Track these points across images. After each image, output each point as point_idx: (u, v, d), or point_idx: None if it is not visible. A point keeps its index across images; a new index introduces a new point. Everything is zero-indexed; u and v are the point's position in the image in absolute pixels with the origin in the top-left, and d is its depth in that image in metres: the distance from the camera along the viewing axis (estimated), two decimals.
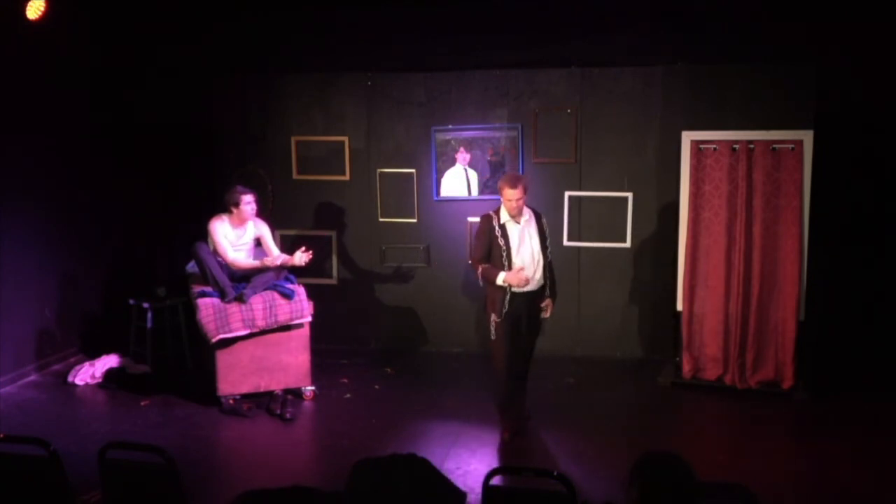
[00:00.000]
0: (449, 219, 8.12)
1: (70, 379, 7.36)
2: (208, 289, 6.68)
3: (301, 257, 6.70)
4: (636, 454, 2.84)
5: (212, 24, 8.03)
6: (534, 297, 5.84)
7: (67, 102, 7.76)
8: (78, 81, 7.88)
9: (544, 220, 5.99)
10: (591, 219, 7.87)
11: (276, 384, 6.84)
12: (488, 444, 5.94)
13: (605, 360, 7.90)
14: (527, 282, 5.70)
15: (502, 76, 7.90)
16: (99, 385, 7.33)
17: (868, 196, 7.49)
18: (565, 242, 7.82)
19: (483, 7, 7.61)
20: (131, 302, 7.77)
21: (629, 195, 7.77)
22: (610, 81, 7.73)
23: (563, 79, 7.81)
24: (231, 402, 6.67)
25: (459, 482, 4.97)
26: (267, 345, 6.79)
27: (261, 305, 6.66)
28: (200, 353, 7.45)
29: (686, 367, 7.15)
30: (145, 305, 7.63)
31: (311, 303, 6.87)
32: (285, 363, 6.85)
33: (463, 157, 7.98)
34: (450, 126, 7.99)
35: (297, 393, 6.93)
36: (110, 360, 7.54)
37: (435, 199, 8.11)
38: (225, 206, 6.83)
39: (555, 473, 3.62)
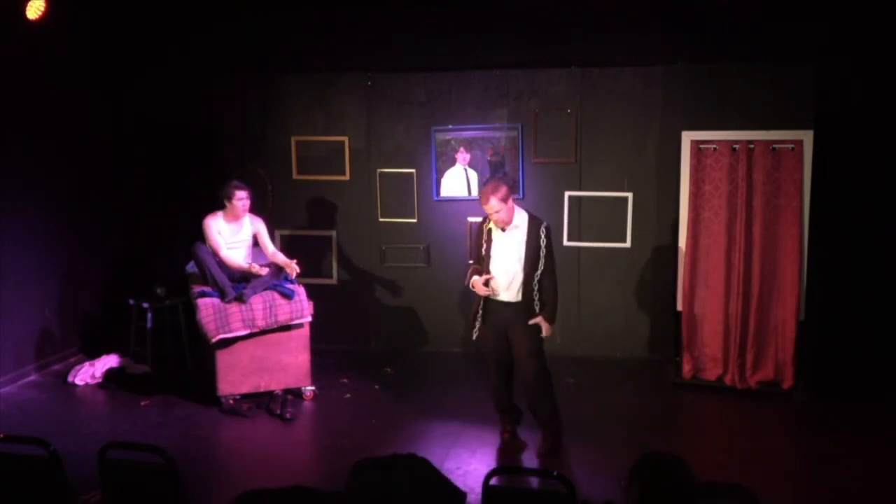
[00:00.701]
0: (449, 219, 8.12)
1: (70, 379, 7.36)
2: (208, 289, 6.69)
3: (292, 268, 6.73)
4: (636, 454, 2.84)
5: (212, 24, 8.03)
6: (514, 310, 5.63)
7: (67, 102, 7.75)
8: (78, 81, 7.88)
9: (543, 233, 5.59)
10: (591, 219, 7.87)
11: (276, 384, 6.84)
12: (488, 444, 5.94)
13: (605, 360, 7.90)
14: (488, 292, 5.63)
15: (502, 76, 7.90)
16: (99, 385, 7.33)
17: (868, 196, 7.49)
18: (565, 242, 7.82)
19: (483, 7, 7.61)
20: (131, 302, 7.76)
21: (629, 195, 7.77)
22: (610, 81, 7.74)
23: (563, 79, 7.81)
24: (231, 402, 6.67)
25: (459, 482, 4.97)
26: (267, 345, 6.79)
27: (261, 305, 6.66)
28: (200, 353, 7.45)
29: (686, 367, 7.15)
30: (145, 305, 7.63)
31: (311, 303, 6.87)
32: (285, 363, 6.85)
33: (463, 157, 7.98)
34: (450, 126, 7.99)
35: (297, 393, 6.93)
36: (110, 360, 7.53)
37: (435, 199, 8.11)
38: (220, 199, 6.85)
39: (555, 473, 3.62)
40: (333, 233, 8.36)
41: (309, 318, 6.87)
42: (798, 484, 5.38)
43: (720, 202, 6.95)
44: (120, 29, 8.05)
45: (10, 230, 7.22)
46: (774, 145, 6.82)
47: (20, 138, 7.30)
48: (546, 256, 5.60)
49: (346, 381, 7.41)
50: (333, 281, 8.40)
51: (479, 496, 3.55)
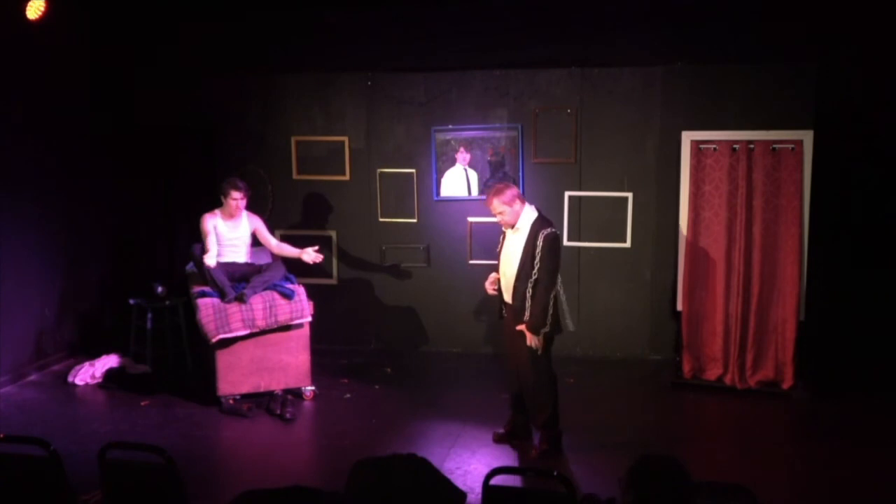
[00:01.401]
0: (449, 219, 8.12)
1: (70, 379, 7.36)
2: (208, 289, 6.69)
3: (311, 255, 6.79)
4: (636, 454, 2.84)
5: (212, 23, 8.02)
6: (514, 314, 5.65)
7: (67, 102, 7.75)
8: (78, 81, 7.88)
9: (541, 240, 5.43)
10: (591, 219, 7.87)
11: (276, 384, 6.84)
12: (488, 444, 5.94)
13: (605, 360, 7.90)
14: (494, 292, 5.77)
15: (502, 76, 7.90)
16: (99, 385, 7.33)
17: (868, 196, 7.49)
18: (565, 242, 7.80)
19: (483, 7, 7.60)
20: (131, 302, 7.76)
21: (629, 195, 7.77)
22: (610, 81, 7.73)
23: (563, 79, 7.81)
24: (231, 402, 6.67)
25: (459, 482, 4.97)
26: (267, 345, 6.79)
27: (261, 305, 6.66)
28: (200, 353, 7.45)
29: (686, 367, 7.15)
30: (145, 305, 7.63)
31: (311, 303, 6.88)
32: (285, 363, 6.85)
33: (463, 157, 7.98)
34: (450, 126, 7.99)
35: (297, 393, 6.94)
36: (110, 360, 7.53)
37: (435, 199, 8.11)
38: (219, 195, 6.89)
39: (555, 473, 3.62)
40: (333, 233, 8.36)
41: (309, 318, 6.87)
42: (798, 484, 5.38)
43: (720, 202, 6.95)
44: (120, 29, 8.05)
45: (10, 230, 7.22)
46: (774, 145, 6.82)
47: (20, 138, 7.30)
48: (540, 265, 5.43)
49: (346, 381, 7.41)
50: (333, 281, 8.40)
51: (479, 496, 3.55)
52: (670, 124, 7.49)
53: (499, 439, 5.95)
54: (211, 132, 8.47)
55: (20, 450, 3.88)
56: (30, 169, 7.43)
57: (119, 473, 3.83)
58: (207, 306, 6.56)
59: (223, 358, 6.68)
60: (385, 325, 8.41)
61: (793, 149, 6.79)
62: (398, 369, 7.77)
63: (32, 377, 7.49)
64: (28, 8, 6.89)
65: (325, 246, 8.33)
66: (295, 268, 7.25)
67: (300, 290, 6.87)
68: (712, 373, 7.10)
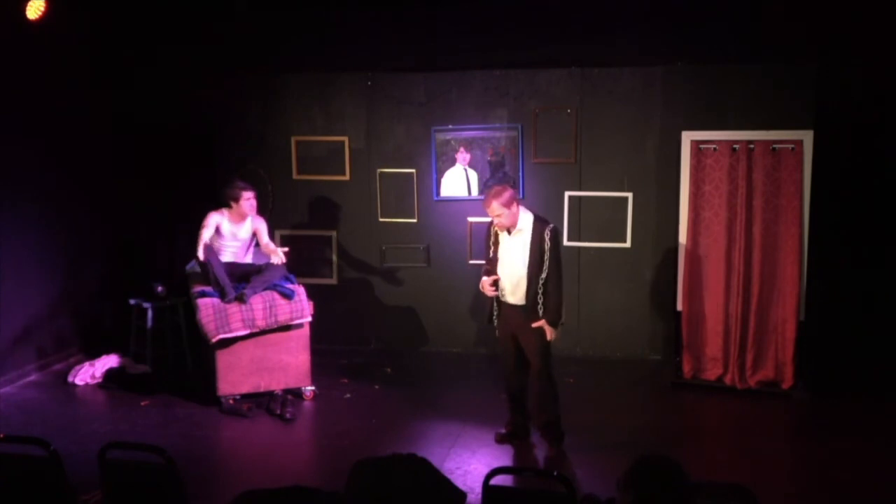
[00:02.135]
0: (449, 219, 8.12)
1: (70, 379, 7.36)
2: (208, 289, 6.69)
3: (277, 254, 6.76)
4: (636, 455, 2.84)
5: (212, 23, 8.03)
6: (521, 313, 5.64)
7: (67, 102, 7.75)
8: (77, 81, 7.88)
9: (548, 237, 5.51)
10: (591, 219, 7.87)
11: (276, 384, 6.84)
12: (488, 444, 5.94)
13: (605, 360, 7.90)
14: (495, 293, 5.66)
15: (502, 76, 7.90)
16: (99, 385, 7.33)
17: (868, 196, 7.49)
18: (565, 242, 7.80)
19: (483, 7, 7.61)
20: (131, 301, 7.77)
21: (629, 195, 7.77)
22: (610, 81, 7.73)
23: (563, 79, 7.81)
24: (231, 402, 6.67)
25: (459, 482, 4.97)
26: (267, 345, 6.79)
27: (261, 305, 6.66)
28: (200, 353, 7.45)
29: (686, 367, 7.16)
30: (145, 305, 7.63)
31: (311, 303, 6.87)
32: (285, 363, 6.85)
33: (463, 157, 7.98)
34: (450, 126, 7.99)
35: (297, 393, 6.93)
36: (110, 360, 7.54)
37: (435, 199, 8.11)
38: (224, 200, 6.84)
39: (555, 473, 3.62)
40: (333, 233, 8.37)
41: (309, 318, 6.87)
42: (798, 484, 5.38)
43: (720, 202, 6.95)
44: (120, 29, 8.05)
45: (11, 230, 7.22)
46: (774, 145, 6.82)
47: (20, 138, 7.30)
48: (550, 260, 5.54)
49: (346, 381, 7.41)
50: (333, 281, 8.40)
51: (479, 496, 3.55)
52: (670, 124, 7.49)
53: (501, 439, 5.95)
54: (211, 132, 8.47)
55: (20, 450, 3.88)
56: (30, 169, 7.43)
57: (119, 473, 3.83)
58: (207, 306, 6.56)
59: (223, 358, 6.68)
60: (385, 325, 8.41)
61: (793, 149, 6.79)
62: (398, 369, 7.77)
63: (32, 377, 7.49)
64: (28, 8, 6.89)
65: (325, 246, 8.36)
66: (295, 268, 7.25)
67: (300, 290, 6.87)
68: (712, 373, 7.10)
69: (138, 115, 8.42)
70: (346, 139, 8.22)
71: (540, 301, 5.58)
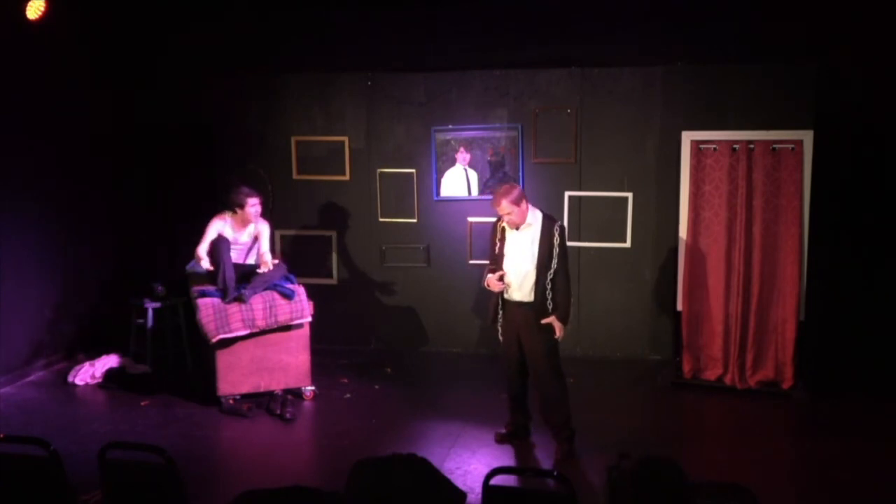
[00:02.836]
0: (449, 219, 8.12)
1: (70, 379, 7.36)
2: (208, 289, 6.69)
3: (264, 262, 6.75)
4: (637, 454, 2.84)
5: (212, 23, 8.02)
6: (528, 311, 5.63)
7: (67, 102, 7.75)
8: (78, 81, 7.88)
9: (557, 233, 5.55)
10: (591, 219, 7.87)
11: (276, 384, 6.84)
12: (488, 444, 5.94)
13: (605, 360, 7.90)
14: (502, 287, 5.63)
15: (502, 76, 7.90)
16: (99, 385, 7.33)
17: (868, 196, 7.49)
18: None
19: (483, 7, 7.60)
20: (131, 301, 7.76)
21: (629, 195, 7.77)
22: (610, 81, 7.74)
23: (563, 79, 7.81)
24: (231, 402, 6.67)
25: (459, 482, 4.97)
26: (267, 345, 6.79)
27: (261, 305, 6.66)
28: (200, 353, 7.45)
29: (686, 367, 7.16)
30: (145, 305, 7.63)
31: (311, 303, 6.87)
32: (285, 363, 6.85)
33: (463, 157, 7.98)
34: (450, 126, 7.99)
35: (297, 393, 6.94)
36: (110, 360, 7.54)
37: (435, 199, 8.12)
38: (229, 206, 6.83)
39: (555, 473, 3.62)
40: (333, 233, 8.37)
41: (309, 318, 6.87)
42: (798, 484, 5.38)
43: (720, 202, 6.95)
44: (119, 29, 8.05)
45: (11, 230, 7.22)
46: (774, 145, 6.82)
47: (20, 138, 7.30)
48: (559, 256, 5.56)
49: (346, 381, 7.41)
50: (333, 281, 8.40)
51: (479, 496, 3.55)
52: (670, 124, 7.50)
53: (501, 439, 5.95)
54: (211, 132, 8.47)
55: (20, 450, 3.88)
56: (30, 169, 7.43)
57: (119, 473, 3.83)
58: (207, 306, 6.56)
59: (223, 358, 6.68)
60: (385, 325, 8.41)
61: (793, 149, 6.79)
62: (398, 369, 7.77)
63: (32, 377, 7.49)
64: (28, 8, 6.89)
65: (325, 246, 8.36)
66: (295, 268, 7.25)
67: (300, 290, 6.87)
68: (712, 373, 7.10)
69: (138, 115, 8.42)
70: (346, 139, 8.22)
71: (548, 297, 5.58)
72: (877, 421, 6.34)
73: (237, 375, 6.72)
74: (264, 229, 7.00)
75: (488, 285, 5.69)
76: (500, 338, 5.83)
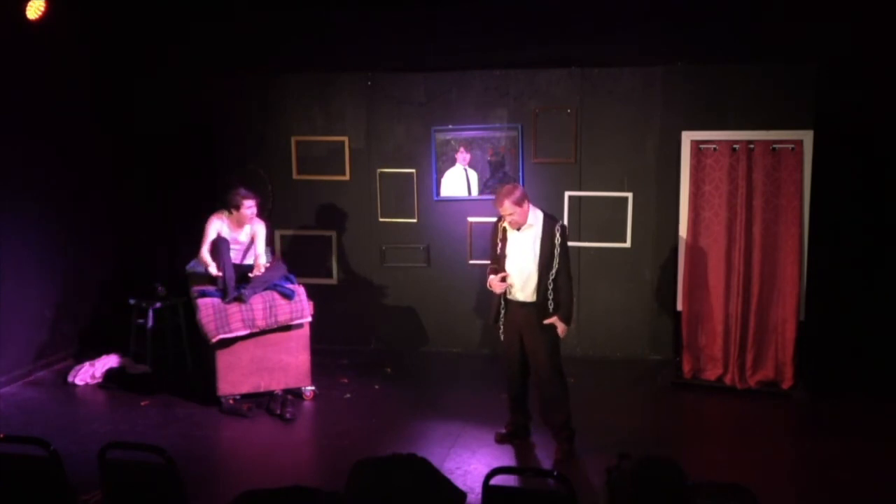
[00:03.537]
0: (449, 219, 8.12)
1: (70, 379, 7.36)
2: (208, 289, 6.69)
3: (257, 265, 6.79)
4: (636, 454, 2.84)
5: (212, 23, 8.03)
6: (530, 311, 5.64)
7: (67, 102, 7.76)
8: (78, 81, 7.88)
9: (558, 233, 5.56)
10: (591, 219, 7.87)
11: (276, 384, 6.84)
12: (488, 444, 5.94)
13: (605, 360, 7.90)
14: (504, 287, 5.63)
15: (502, 76, 7.90)
16: (99, 385, 7.33)
17: (868, 196, 7.49)
18: None
19: (483, 7, 7.61)
20: (132, 301, 7.76)
21: (629, 195, 7.77)
22: (610, 81, 7.73)
23: (563, 79, 7.81)
24: (231, 402, 6.67)
25: (459, 482, 4.97)
26: (267, 345, 6.79)
27: (261, 305, 6.66)
28: (200, 353, 7.45)
29: (686, 367, 7.16)
30: (145, 305, 7.63)
31: (311, 303, 6.88)
32: (285, 363, 6.85)
33: (463, 157, 7.98)
34: (450, 126, 7.99)
35: (297, 393, 6.94)
36: (110, 360, 7.54)
37: (435, 199, 8.11)
38: (226, 206, 6.85)
39: (555, 473, 3.62)
40: (333, 233, 8.36)
41: (309, 318, 6.87)
42: (798, 484, 5.38)
43: (720, 202, 6.95)
44: (119, 29, 8.05)
45: (10, 230, 7.22)
46: (774, 145, 6.82)
47: (20, 138, 7.30)
48: (560, 256, 5.56)
49: (346, 381, 7.41)
50: (333, 281, 8.40)
51: (479, 496, 3.55)
52: (670, 124, 7.49)
53: (501, 439, 5.95)
54: (211, 132, 8.48)
55: (20, 450, 3.88)
56: (30, 169, 7.43)
57: (119, 473, 3.83)
58: (207, 306, 6.56)
59: (223, 358, 6.68)
60: (385, 325, 8.41)
61: (793, 149, 6.79)
62: (398, 369, 7.77)
63: (32, 377, 7.49)
64: (28, 8, 6.89)
65: (325, 246, 8.35)
66: (295, 267, 7.25)
67: (300, 290, 6.87)
68: (712, 373, 7.10)
69: (138, 115, 8.42)
70: (346, 139, 8.22)
71: (550, 297, 5.59)
72: (877, 421, 6.34)
73: (237, 375, 6.72)
74: (260, 230, 7.01)
75: (491, 286, 5.70)
76: (502, 337, 5.83)
